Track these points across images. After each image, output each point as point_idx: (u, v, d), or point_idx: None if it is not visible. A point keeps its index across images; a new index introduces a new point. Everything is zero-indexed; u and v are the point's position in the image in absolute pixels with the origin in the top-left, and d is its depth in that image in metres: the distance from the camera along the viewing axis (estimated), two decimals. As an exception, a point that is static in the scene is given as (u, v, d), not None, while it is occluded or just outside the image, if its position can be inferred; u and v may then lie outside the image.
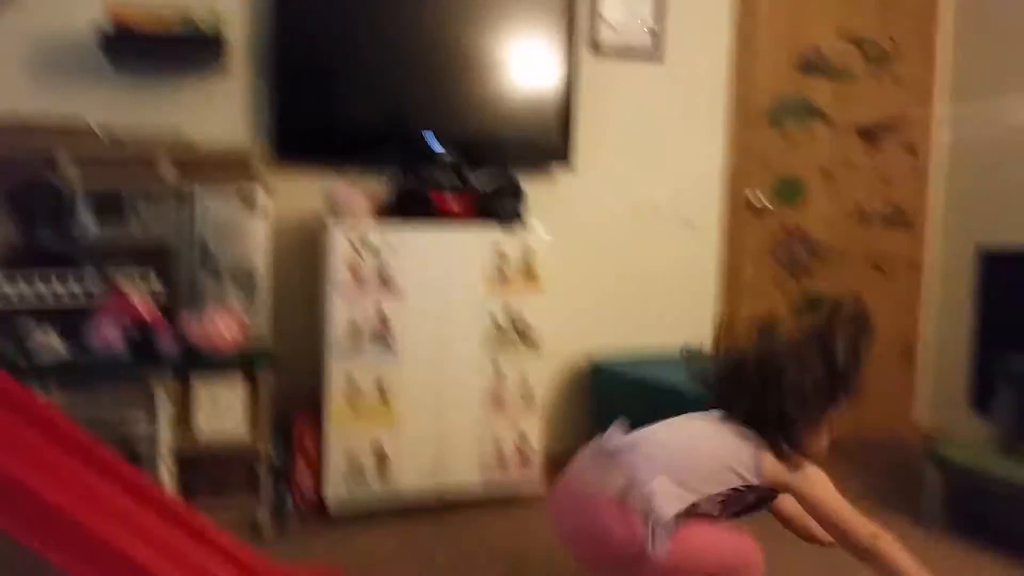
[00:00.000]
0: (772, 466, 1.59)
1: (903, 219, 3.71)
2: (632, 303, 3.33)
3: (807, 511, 1.64)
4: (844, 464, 3.38)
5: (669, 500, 1.49)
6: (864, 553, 1.56)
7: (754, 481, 1.58)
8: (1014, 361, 2.56)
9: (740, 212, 3.46)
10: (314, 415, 2.66)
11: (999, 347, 2.77)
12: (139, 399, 2.32)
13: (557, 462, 3.10)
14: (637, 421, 2.86)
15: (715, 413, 1.70)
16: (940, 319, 3.72)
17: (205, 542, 1.81)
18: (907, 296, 3.75)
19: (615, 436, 1.65)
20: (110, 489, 1.79)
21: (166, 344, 2.34)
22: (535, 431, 2.78)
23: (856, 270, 3.66)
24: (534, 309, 2.75)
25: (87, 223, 2.38)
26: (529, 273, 2.74)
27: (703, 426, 1.68)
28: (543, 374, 2.81)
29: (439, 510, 2.70)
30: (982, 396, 3.00)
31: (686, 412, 2.60)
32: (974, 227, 3.53)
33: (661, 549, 1.45)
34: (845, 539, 1.59)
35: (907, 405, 3.79)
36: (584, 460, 1.66)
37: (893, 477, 3.08)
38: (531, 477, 2.79)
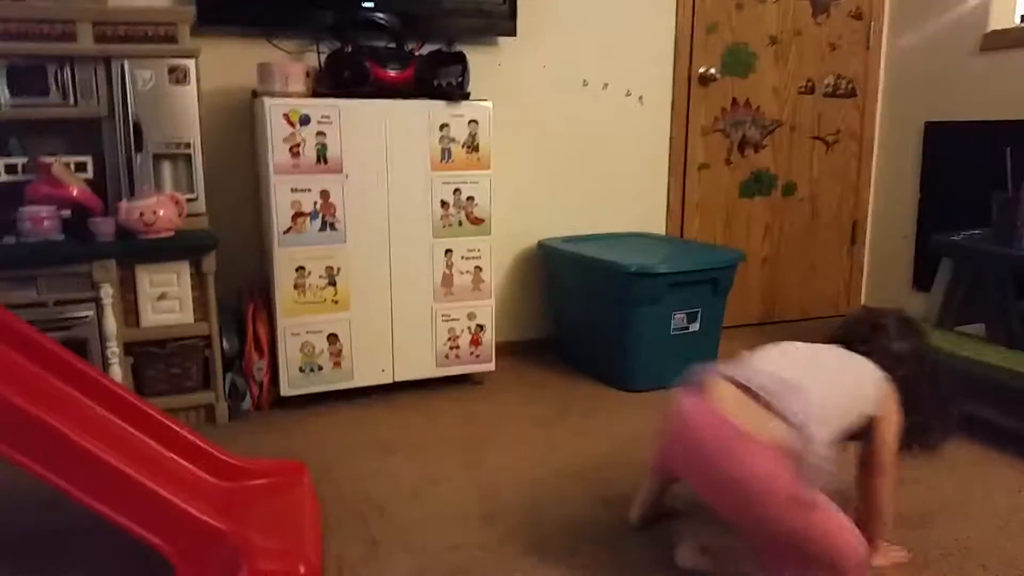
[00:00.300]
0: (888, 397, 1.58)
1: (850, 91, 3.69)
2: (583, 182, 3.29)
3: (875, 447, 1.59)
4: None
5: (828, 450, 1.43)
6: (884, 488, 1.60)
7: (871, 413, 1.56)
8: (955, 235, 2.62)
9: (690, 86, 3.39)
10: (265, 301, 2.62)
11: (942, 222, 2.82)
12: (80, 288, 2.23)
13: (508, 344, 3.17)
14: (589, 302, 2.92)
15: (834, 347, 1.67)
16: (886, 196, 3.77)
17: (162, 437, 1.80)
18: (853, 173, 3.78)
19: (753, 371, 1.53)
20: (62, 386, 1.76)
21: (104, 228, 2.25)
22: (487, 313, 2.78)
23: (804, 145, 3.66)
24: (482, 189, 2.70)
25: (3, 95, 2.22)
26: (475, 150, 2.67)
27: (836, 356, 1.64)
28: (494, 255, 2.78)
29: (392, 391, 2.72)
30: (925, 274, 3.08)
31: (634, 292, 2.68)
32: (919, 102, 3.54)
33: (811, 506, 1.39)
34: (888, 477, 1.60)
35: (854, 284, 3.89)
36: (725, 396, 1.50)
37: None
38: (483, 358, 2.81)
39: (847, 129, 3.73)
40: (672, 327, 2.78)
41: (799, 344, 1.66)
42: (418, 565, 1.70)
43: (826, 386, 1.52)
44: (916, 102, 3.56)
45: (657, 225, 3.46)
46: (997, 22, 3.21)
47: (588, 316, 2.98)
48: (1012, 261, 2.45)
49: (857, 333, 1.70)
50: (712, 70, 3.41)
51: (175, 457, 1.79)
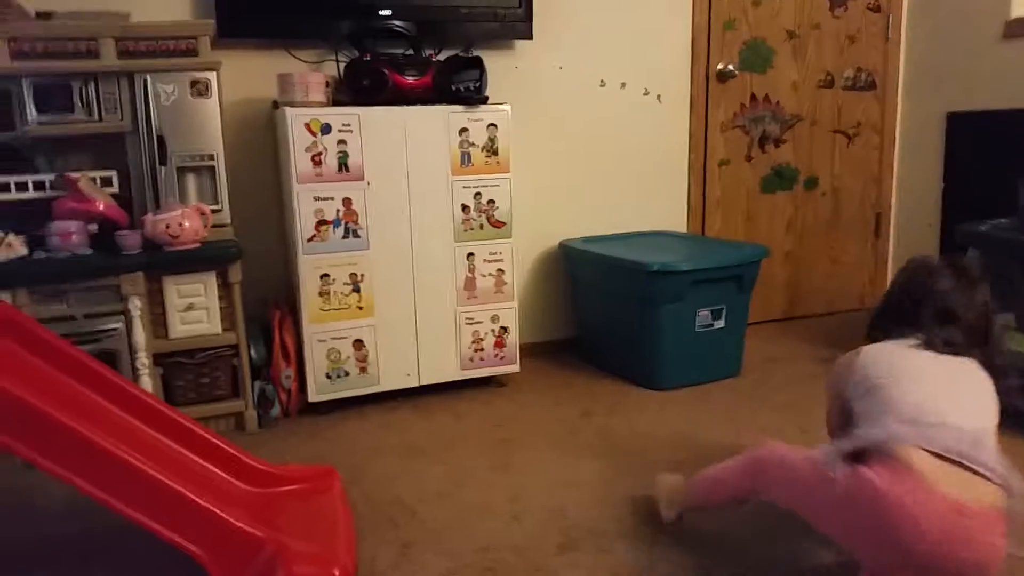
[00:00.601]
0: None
1: (870, 83, 3.66)
2: (603, 182, 3.29)
3: None
4: (815, 337, 3.48)
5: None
6: None
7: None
8: (980, 224, 2.59)
9: (708, 83, 3.38)
10: (291, 310, 2.64)
11: (966, 212, 2.79)
12: (109, 301, 2.27)
13: (532, 345, 3.17)
14: (612, 302, 2.92)
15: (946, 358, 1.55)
16: (909, 187, 3.73)
17: (194, 445, 1.82)
18: (875, 165, 3.75)
19: (936, 430, 1.39)
20: (95, 397, 1.79)
21: (130, 241, 2.28)
22: (510, 315, 2.79)
23: (824, 139, 3.64)
24: (502, 192, 2.71)
25: (30, 113, 2.26)
26: (495, 153, 2.68)
27: (965, 375, 1.53)
28: (516, 258, 2.79)
29: (418, 394, 2.74)
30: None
31: (658, 290, 2.67)
32: (940, 92, 3.50)
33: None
34: None
35: (879, 276, 3.85)
36: (926, 469, 1.34)
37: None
38: (508, 360, 2.82)
39: (868, 122, 3.70)
40: (697, 324, 2.78)
41: (927, 366, 1.53)
42: (449, 567, 1.71)
43: (982, 418, 1.46)
44: (937, 93, 3.52)
45: (678, 223, 3.45)
46: (1021, 8, 3.17)
47: (612, 315, 2.98)
48: (1040, 249, 2.42)
49: (912, 296, 1.65)
50: (730, 66, 3.39)
51: (208, 465, 1.82)
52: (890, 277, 3.81)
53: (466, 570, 1.70)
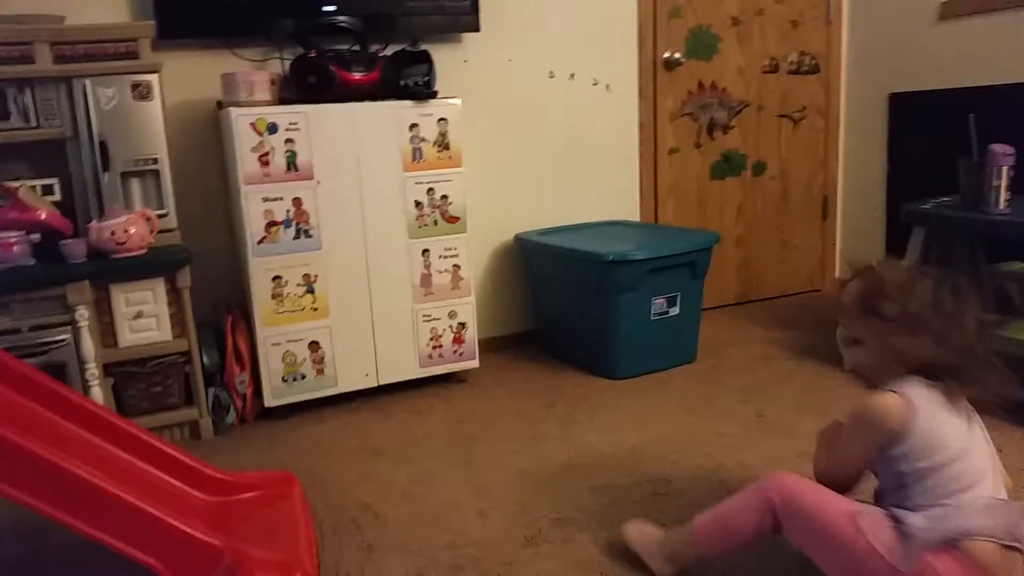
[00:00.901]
0: None
1: (814, 67, 3.72)
2: (556, 173, 3.29)
3: None
4: (768, 321, 3.54)
5: None
6: None
7: None
8: (924, 203, 2.65)
9: (656, 71, 3.40)
10: (243, 314, 2.60)
11: (911, 192, 2.85)
12: (55, 312, 2.21)
13: (491, 340, 3.17)
14: (569, 293, 2.93)
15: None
16: (854, 169, 3.80)
17: (148, 456, 1.79)
18: (821, 148, 3.81)
19: (1001, 513, 1.32)
20: (43, 411, 1.74)
21: (75, 250, 2.22)
22: (468, 310, 2.78)
23: (771, 124, 3.69)
24: (455, 187, 2.69)
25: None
26: (446, 148, 2.66)
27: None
28: (471, 252, 2.78)
29: (378, 395, 2.72)
30: (897, 243, 3.11)
31: (613, 280, 2.69)
32: (881, 74, 3.58)
33: None
34: None
35: (828, 258, 3.92)
36: (990, 562, 1.29)
37: (817, 330, 3.22)
38: (467, 356, 2.81)
39: (813, 105, 3.76)
40: (652, 312, 2.80)
41: (970, 429, 1.40)
42: (415, 565, 1.70)
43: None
44: (879, 74, 3.59)
45: (631, 212, 3.47)
46: (953, -9, 3.25)
47: (569, 307, 2.99)
48: (981, 225, 2.49)
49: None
50: (677, 54, 3.42)
51: (162, 475, 1.78)
52: (839, 258, 3.89)
53: (434, 568, 1.69)
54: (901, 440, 1.36)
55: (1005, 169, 2.40)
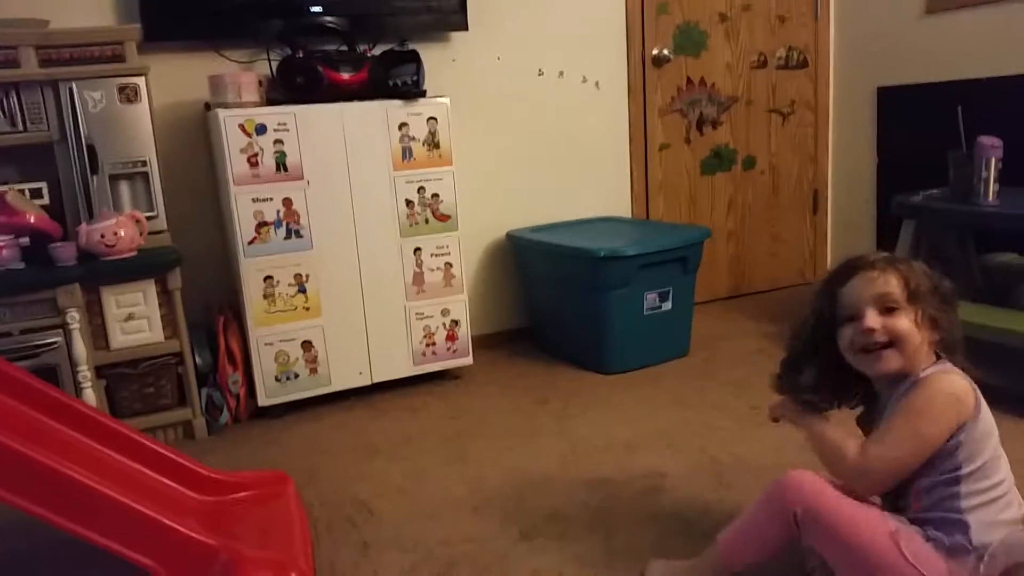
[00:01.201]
0: None
1: (802, 62, 3.73)
2: (546, 170, 3.29)
3: None
4: (760, 314, 3.55)
5: None
6: None
7: None
8: (914, 195, 2.66)
9: (645, 68, 3.41)
10: (235, 314, 2.60)
11: (900, 185, 2.86)
12: (46, 315, 2.20)
13: (484, 337, 3.17)
14: (561, 289, 2.94)
15: None
16: (844, 163, 3.82)
17: (142, 457, 1.78)
18: (811, 142, 3.82)
19: None
20: (36, 415, 1.73)
21: (65, 253, 2.22)
22: (460, 308, 2.78)
23: (760, 119, 3.70)
24: (446, 185, 2.69)
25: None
26: (436, 147, 2.66)
27: None
28: (463, 250, 2.78)
29: (372, 393, 2.72)
30: (888, 236, 3.13)
31: (605, 276, 2.69)
32: (870, 68, 3.59)
33: None
34: None
35: (819, 251, 3.93)
36: None
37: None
38: (460, 353, 2.81)
39: (801, 100, 3.77)
40: (645, 308, 2.80)
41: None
42: (410, 562, 1.70)
43: None
44: (867, 68, 3.60)
45: (623, 208, 3.48)
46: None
47: (561, 303, 2.99)
48: (971, 217, 2.50)
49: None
50: (665, 51, 3.43)
51: (156, 475, 1.77)
52: (830, 251, 3.91)
53: (429, 564, 1.69)
54: (963, 429, 1.27)
55: (993, 161, 2.41)
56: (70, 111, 2.27)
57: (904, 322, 1.31)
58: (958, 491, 1.27)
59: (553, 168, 3.31)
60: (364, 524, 1.88)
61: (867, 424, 1.47)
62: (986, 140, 2.41)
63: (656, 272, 2.78)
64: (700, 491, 1.91)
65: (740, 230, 3.75)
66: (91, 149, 2.30)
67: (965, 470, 1.26)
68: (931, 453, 1.28)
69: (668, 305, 2.85)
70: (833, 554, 1.32)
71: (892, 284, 1.32)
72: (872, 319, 1.32)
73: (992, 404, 1.33)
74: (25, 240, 2.24)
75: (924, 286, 1.33)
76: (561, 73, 3.27)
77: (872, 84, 3.57)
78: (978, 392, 1.30)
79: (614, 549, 1.70)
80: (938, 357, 1.36)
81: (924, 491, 1.30)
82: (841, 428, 1.41)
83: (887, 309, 1.32)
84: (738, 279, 3.78)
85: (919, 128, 3.33)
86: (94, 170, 2.32)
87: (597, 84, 3.34)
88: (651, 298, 2.81)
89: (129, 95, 2.34)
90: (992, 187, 2.43)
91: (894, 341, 1.32)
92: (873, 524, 1.28)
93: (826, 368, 1.43)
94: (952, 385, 1.29)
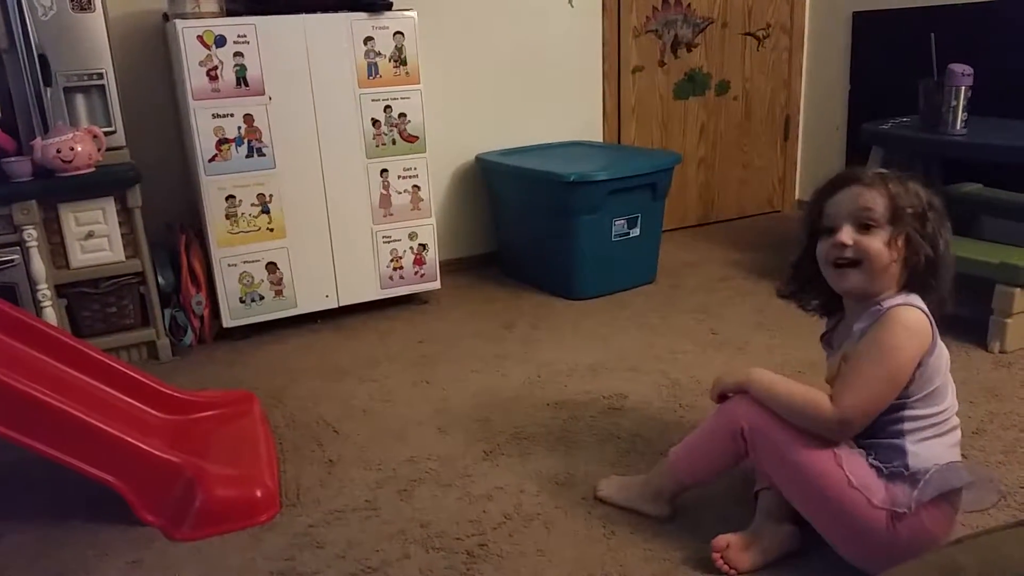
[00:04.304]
0: None
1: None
2: (518, 92, 3.23)
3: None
4: (728, 242, 3.57)
5: None
6: None
7: None
8: (883, 123, 2.66)
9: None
10: (198, 234, 2.55)
11: (871, 112, 2.86)
12: (2, 232, 2.15)
13: (452, 261, 3.16)
14: (530, 215, 2.92)
15: None
16: (817, 89, 3.79)
17: (105, 376, 1.77)
18: (785, 67, 3.78)
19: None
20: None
21: (20, 168, 2.15)
22: (428, 232, 2.76)
23: (735, 42, 3.64)
24: (413, 105, 2.64)
25: None
26: (403, 63, 2.59)
27: None
28: (431, 173, 2.74)
29: (339, 316, 2.71)
30: (857, 164, 3.13)
31: (574, 201, 2.67)
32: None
33: None
34: None
35: (788, 179, 3.94)
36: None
37: (776, 251, 3.23)
38: (428, 277, 2.80)
39: (777, 23, 3.71)
40: (613, 234, 2.80)
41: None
42: (375, 479, 1.73)
43: None
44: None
45: (594, 132, 3.44)
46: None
47: (530, 228, 2.98)
48: (939, 145, 2.51)
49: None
50: (641, -31, 3.34)
51: (120, 395, 1.77)
52: (799, 179, 3.91)
53: (393, 481, 1.72)
54: (920, 363, 1.27)
55: (963, 90, 2.40)
56: (18, 18, 2.17)
57: (876, 242, 1.29)
58: (901, 417, 1.29)
59: (524, 89, 3.25)
60: (330, 443, 1.90)
61: (829, 346, 1.49)
62: (957, 68, 2.40)
63: (625, 198, 2.77)
64: (659, 412, 1.94)
65: (711, 157, 3.73)
66: (43, 59, 2.21)
67: (911, 399, 1.28)
68: (900, 391, 1.28)
69: (636, 231, 2.85)
70: (777, 472, 1.36)
71: (876, 201, 1.30)
72: (846, 234, 1.31)
73: (951, 332, 1.33)
74: (-25, 153, 2.17)
75: (912, 207, 1.30)
76: (534, -10, 3.18)
77: (849, 8, 3.51)
78: (934, 324, 1.30)
79: (574, 466, 1.73)
80: (909, 286, 1.33)
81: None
82: (792, 381, 1.37)
83: (864, 226, 1.30)
84: (708, 207, 3.79)
85: (893, 55, 3.30)
86: (47, 82, 2.23)
87: (571, 2, 3.26)
88: (619, 224, 2.80)
89: (82, 3, 2.24)
90: (960, 116, 2.42)
91: (861, 259, 1.30)
92: (817, 444, 1.30)
93: (815, 279, 1.42)
94: (916, 321, 1.28)
